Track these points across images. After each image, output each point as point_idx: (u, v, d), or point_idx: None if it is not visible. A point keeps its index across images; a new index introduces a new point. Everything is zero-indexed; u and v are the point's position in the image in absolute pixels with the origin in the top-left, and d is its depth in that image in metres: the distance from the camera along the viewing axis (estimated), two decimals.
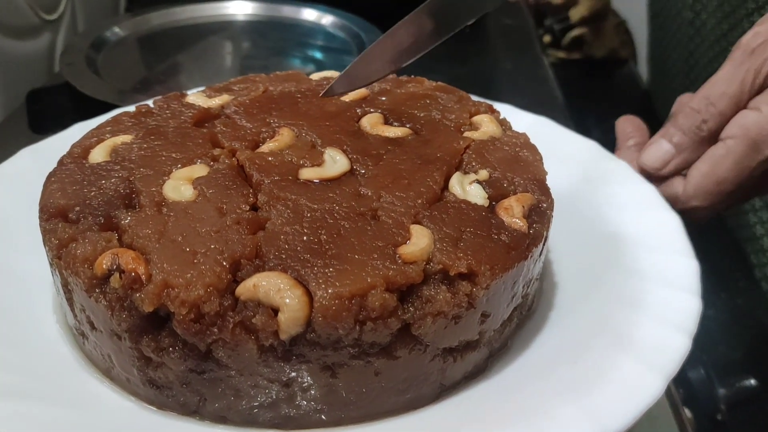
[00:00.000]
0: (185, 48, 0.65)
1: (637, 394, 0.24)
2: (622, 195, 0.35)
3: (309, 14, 0.68)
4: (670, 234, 0.32)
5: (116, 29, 0.63)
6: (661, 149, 0.37)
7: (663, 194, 0.35)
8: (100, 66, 0.58)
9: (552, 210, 0.28)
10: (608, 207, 0.35)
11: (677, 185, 0.36)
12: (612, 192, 0.35)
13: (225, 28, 0.68)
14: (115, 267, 0.24)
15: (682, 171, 0.37)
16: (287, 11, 0.69)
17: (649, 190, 0.35)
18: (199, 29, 0.67)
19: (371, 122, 0.32)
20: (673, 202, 0.35)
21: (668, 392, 0.33)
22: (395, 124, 0.32)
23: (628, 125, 0.40)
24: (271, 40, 0.66)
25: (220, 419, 0.25)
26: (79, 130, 0.37)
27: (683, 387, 0.37)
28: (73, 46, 0.59)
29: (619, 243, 0.32)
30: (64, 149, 0.31)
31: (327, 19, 0.67)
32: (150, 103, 0.35)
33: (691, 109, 0.36)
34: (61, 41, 0.64)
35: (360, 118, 0.33)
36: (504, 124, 0.34)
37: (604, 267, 0.31)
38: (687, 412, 0.33)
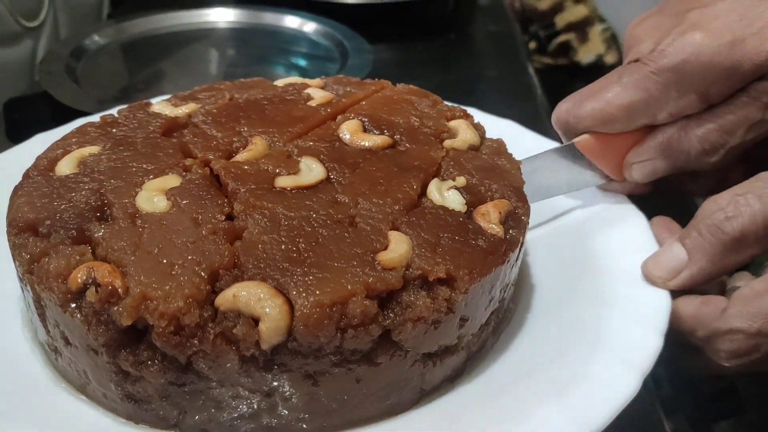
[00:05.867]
0: (167, 56, 0.64)
1: (614, 392, 0.25)
2: (595, 199, 0.36)
3: (291, 21, 0.68)
4: (641, 236, 0.32)
5: (97, 37, 0.62)
6: (671, 255, 0.28)
7: (694, 313, 0.27)
8: (80, 74, 0.57)
9: (528, 216, 0.29)
10: (582, 211, 0.35)
11: (716, 301, 0.27)
12: (585, 196, 0.36)
13: (207, 35, 0.68)
14: (90, 281, 0.23)
15: (698, 285, 0.28)
16: (269, 18, 0.69)
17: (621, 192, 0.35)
18: (181, 36, 0.67)
19: (351, 130, 0.32)
20: (705, 321, 0.27)
21: (651, 403, 0.33)
22: (375, 132, 0.32)
23: (663, 231, 0.32)
24: (253, 47, 0.66)
25: None
26: (40, 141, 0.36)
27: (666, 397, 0.37)
28: (52, 54, 0.58)
29: (593, 245, 0.33)
30: (23, 162, 0.30)
31: (310, 27, 0.67)
32: (114, 112, 0.34)
33: (713, 203, 0.27)
34: (43, 48, 0.63)
35: (330, 122, 0.32)
36: (479, 128, 0.34)
37: (580, 269, 0.32)
38: (670, 424, 0.33)
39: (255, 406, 0.24)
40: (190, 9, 0.68)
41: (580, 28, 1.04)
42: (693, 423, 0.36)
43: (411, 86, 0.37)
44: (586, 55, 1.04)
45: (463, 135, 0.33)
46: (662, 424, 0.33)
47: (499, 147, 0.33)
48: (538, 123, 0.55)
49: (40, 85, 0.55)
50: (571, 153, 0.33)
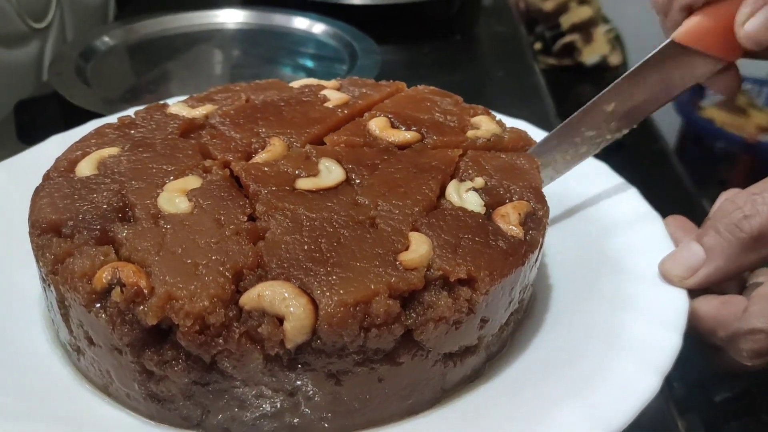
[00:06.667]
0: (176, 57, 0.64)
1: (634, 392, 0.25)
2: (611, 198, 0.36)
3: (300, 22, 0.68)
4: (657, 235, 0.32)
5: (106, 38, 0.63)
6: (688, 253, 0.28)
7: (714, 313, 0.27)
8: (89, 75, 0.57)
9: (547, 217, 0.29)
10: (598, 210, 0.35)
11: (736, 301, 0.28)
12: (601, 195, 0.36)
13: (215, 36, 0.68)
14: (115, 281, 0.24)
15: (716, 284, 0.28)
16: (278, 19, 0.69)
17: (637, 192, 0.36)
18: (189, 37, 0.67)
19: (379, 126, 0.32)
20: (725, 321, 0.27)
21: (665, 402, 0.33)
22: (402, 128, 0.32)
23: (677, 229, 0.32)
24: (262, 48, 0.67)
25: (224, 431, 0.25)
26: (55, 143, 0.36)
27: (679, 396, 0.37)
28: (62, 56, 0.58)
29: (609, 245, 0.33)
30: (40, 163, 0.30)
31: (318, 28, 0.67)
32: (129, 113, 0.34)
33: (730, 202, 0.28)
34: (50, 49, 0.63)
35: (357, 119, 0.33)
36: (500, 125, 0.34)
37: (597, 269, 0.32)
38: (683, 423, 0.33)
39: (278, 405, 0.25)
40: (199, 10, 0.69)
41: (585, 28, 1.04)
42: (706, 422, 0.36)
43: (432, 87, 0.37)
44: (590, 55, 1.04)
45: (486, 126, 0.33)
46: (675, 424, 0.33)
47: (520, 136, 0.33)
48: (547, 123, 0.55)
49: (48, 86, 0.56)
50: (673, 51, 0.31)
